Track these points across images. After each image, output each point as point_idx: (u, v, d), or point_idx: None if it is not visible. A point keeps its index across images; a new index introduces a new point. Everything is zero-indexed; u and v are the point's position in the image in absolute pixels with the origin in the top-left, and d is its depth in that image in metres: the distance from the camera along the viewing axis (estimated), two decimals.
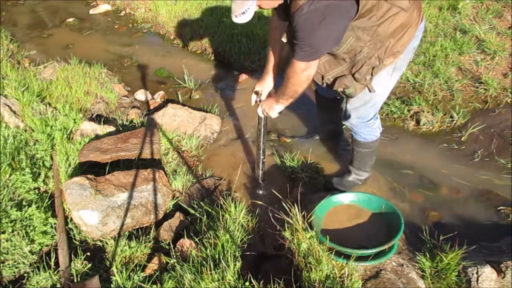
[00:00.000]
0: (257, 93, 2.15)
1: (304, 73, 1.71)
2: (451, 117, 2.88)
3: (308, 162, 2.60)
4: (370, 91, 1.86)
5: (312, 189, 2.42)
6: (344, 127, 2.75)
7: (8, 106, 2.93)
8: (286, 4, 1.61)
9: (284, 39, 1.89)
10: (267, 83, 2.12)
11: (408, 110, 2.97)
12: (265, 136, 2.26)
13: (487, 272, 1.71)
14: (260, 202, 2.29)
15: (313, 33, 1.54)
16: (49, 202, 2.29)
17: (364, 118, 2.07)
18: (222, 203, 2.14)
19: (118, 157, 2.47)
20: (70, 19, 5.16)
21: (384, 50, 1.72)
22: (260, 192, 2.47)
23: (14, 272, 1.98)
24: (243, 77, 3.68)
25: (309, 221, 1.84)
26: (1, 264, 1.97)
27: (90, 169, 2.46)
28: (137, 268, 1.97)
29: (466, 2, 3.90)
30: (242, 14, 1.57)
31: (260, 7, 1.64)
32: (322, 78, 1.90)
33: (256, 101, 2.17)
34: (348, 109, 2.08)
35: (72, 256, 1.99)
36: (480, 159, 2.58)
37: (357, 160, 2.31)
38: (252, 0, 1.55)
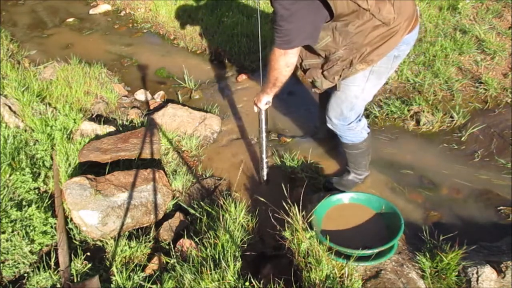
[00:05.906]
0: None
1: (282, 59, 1.71)
2: (451, 117, 2.87)
3: (308, 162, 2.60)
4: (336, 89, 1.95)
5: (312, 189, 2.42)
6: None
7: (8, 106, 2.93)
8: None
9: None
10: None
11: (408, 110, 2.97)
12: (266, 133, 2.27)
13: (487, 272, 1.71)
14: (261, 199, 2.29)
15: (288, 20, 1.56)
16: (49, 202, 2.29)
17: (344, 120, 2.07)
18: (222, 203, 2.14)
19: (118, 157, 2.47)
20: (70, 19, 5.16)
21: (358, 56, 1.77)
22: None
23: (14, 272, 1.98)
24: (243, 77, 3.68)
25: (309, 221, 1.84)
26: (1, 264, 1.97)
27: (90, 169, 2.46)
28: (137, 268, 1.97)
29: (466, 2, 3.90)
30: None
31: None
32: (301, 62, 1.94)
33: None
34: (327, 108, 2.10)
35: (72, 256, 1.99)
36: (480, 159, 2.58)
37: (351, 162, 2.33)
38: None
